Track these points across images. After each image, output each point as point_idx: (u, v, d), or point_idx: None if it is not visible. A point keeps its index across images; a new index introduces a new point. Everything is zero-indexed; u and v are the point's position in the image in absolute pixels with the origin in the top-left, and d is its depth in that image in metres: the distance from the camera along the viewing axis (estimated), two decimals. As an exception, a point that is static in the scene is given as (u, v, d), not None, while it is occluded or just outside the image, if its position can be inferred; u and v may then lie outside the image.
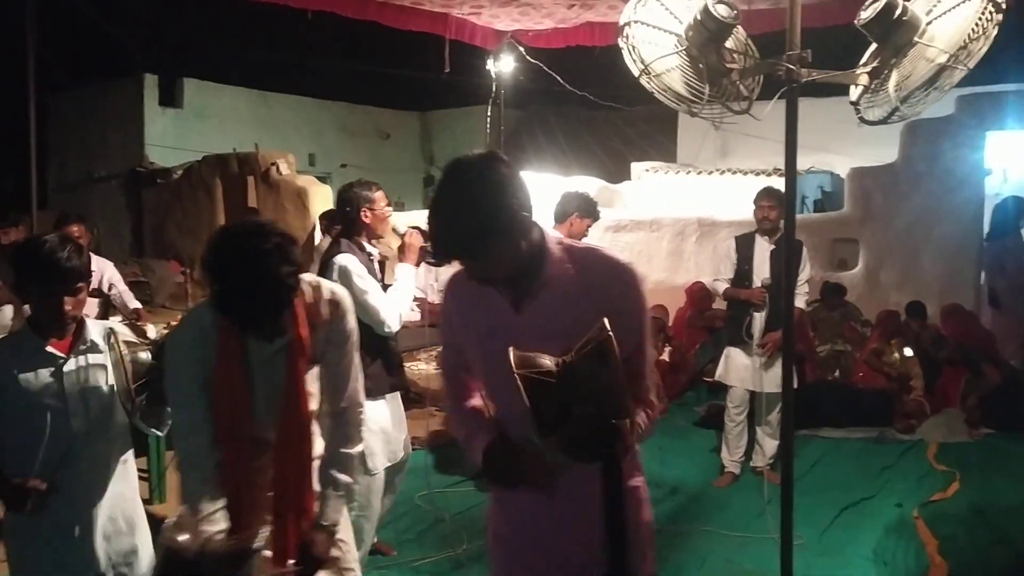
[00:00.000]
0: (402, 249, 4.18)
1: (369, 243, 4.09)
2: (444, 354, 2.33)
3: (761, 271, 5.54)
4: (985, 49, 3.27)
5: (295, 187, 12.17)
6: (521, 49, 9.16)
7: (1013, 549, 4.63)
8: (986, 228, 9.30)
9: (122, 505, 2.80)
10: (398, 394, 4.29)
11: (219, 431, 2.41)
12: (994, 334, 7.91)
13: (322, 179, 14.40)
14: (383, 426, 4.07)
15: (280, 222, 10.25)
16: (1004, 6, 3.20)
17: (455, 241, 1.92)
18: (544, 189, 11.16)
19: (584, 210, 5.35)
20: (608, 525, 1.89)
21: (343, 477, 2.58)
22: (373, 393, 3.93)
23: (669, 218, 10.03)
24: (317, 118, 18.87)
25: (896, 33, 3.40)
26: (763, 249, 5.58)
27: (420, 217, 10.56)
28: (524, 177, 1.97)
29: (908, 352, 7.59)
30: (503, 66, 9.56)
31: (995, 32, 3.24)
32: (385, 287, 4.04)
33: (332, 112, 19.28)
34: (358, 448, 2.66)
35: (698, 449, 6.53)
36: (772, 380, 5.48)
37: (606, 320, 1.80)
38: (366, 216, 4.04)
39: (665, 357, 8.19)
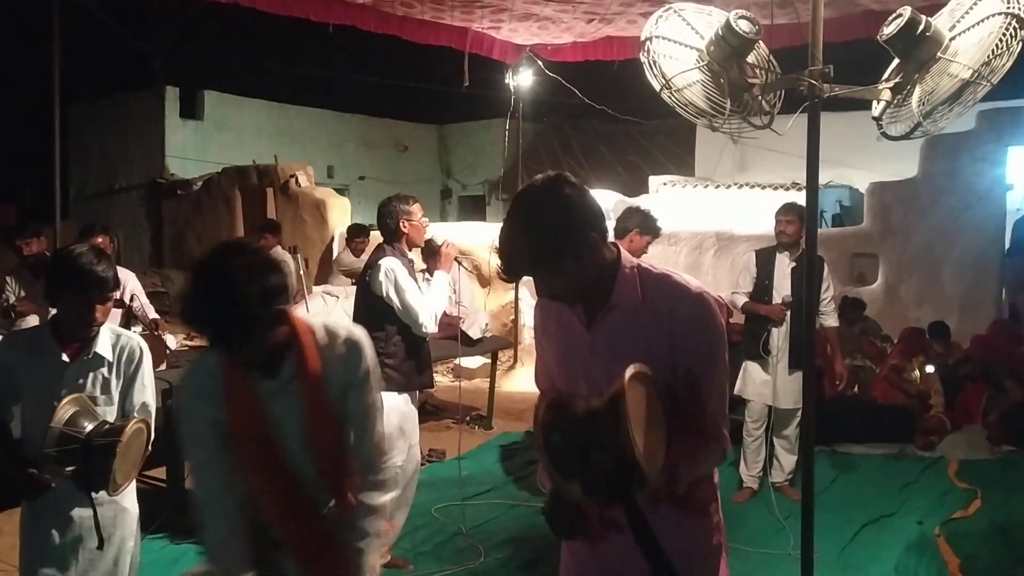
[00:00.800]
0: (438, 258, 4.58)
1: (409, 251, 4.44)
2: (537, 372, 2.36)
3: (781, 287, 5.51)
4: (1009, 65, 3.25)
5: (314, 199, 12.24)
6: (540, 63, 9.20)
7: (1037, 569, 4.58)
8: (1007, 244, 9.25)
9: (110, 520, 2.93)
10: (416, 398, 4.55)
11: (249, 468, 2.33)
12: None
13: (340, 191, 14.48)
14: (400, 423, 4.23)
15: (299, 233, 10.31)
16: (1028, 22, 3.18)
17: (521, 259, 1.98)
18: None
19: (644, 226, 5.32)
20: (648, 563, 1.89)
21: (366, 526, 2.40)
22: (403, 387, 4.32)
23: (687, 232, 10.02)
24: (336, 130, 18.97)
25: (919, 48, 3.39)
26: (783, 265, 5.55)
27: (439, 229, 10.60)
28: (594, 197, 2.02)
29: (929, 369, 7.54)
30: (522, 80, 9.62)
31: (1019, 48, 3.23)
32: None
33: (351, 124, 19.38)
34: (386, 498, 2.46)
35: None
36: (789, 395, 5.51)
37: (634, 367, 1.82)
38: (405, 226, 4.39)
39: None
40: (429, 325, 4.28)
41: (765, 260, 5.63)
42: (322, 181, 15.66)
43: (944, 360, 7.58)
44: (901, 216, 9.03)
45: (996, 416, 6.97)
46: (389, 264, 4.24)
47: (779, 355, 5.51)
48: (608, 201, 12.08)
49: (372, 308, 4.30)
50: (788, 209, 5.59)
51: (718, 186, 13.33)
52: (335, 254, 10.80)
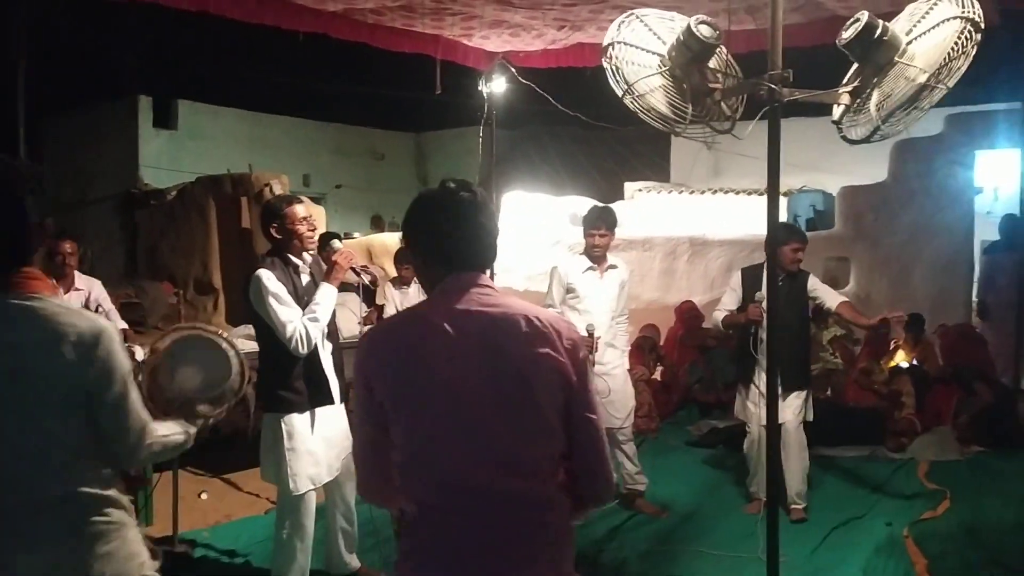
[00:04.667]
0: (330, 268, 4.12)
1: (298, 258, 4.09)
2: None
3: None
4: (965, 68, 3.29)
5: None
6: (513, 70, 9.21)
7: (1003, 569, 4.60)
8: (977, 245, 9.34)
9: None
10: (339, 409, 4.17)
11: None
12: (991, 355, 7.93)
13: (317, 200, 14.43)
14: (309, 446, 4.00)
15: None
16: (982, 26, 3.22)
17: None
18: (537, 208, 11.22)
19: (588, 222, 5.41)
20: None
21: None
22: (297, 407, 3.99)
23: (661, 237, 10.06)
24: (311, 139, 18.92)
25: (877, 53, 3.43)
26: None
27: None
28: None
29: (903, 364, 7.61)
30: (495, 87, 9.61)
31: (974, 51, 3.26)
32: (380, 309, 4.04)
33: (326, 133, 19.33)
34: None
35: (690, 469, 6.52)
36: (788, 410, 5.28)
37: None
38: (276, 232, 4.05)
39: (657, 376, 8.19)
40: (299, 344, 3.85)
41: (752, 277, 5.40)
42: (298, 190, 15.60)
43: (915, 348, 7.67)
44: (872, 219, 9.11)
45: (966, 418, 7.03)
46: (257, 275, 3.90)
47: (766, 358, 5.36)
48: (584, 207, 12.11)
49: (258, 323, 3.99)
50: (801, 239, 5.47)
51: (693, 191, 13.40)
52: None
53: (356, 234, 14.34)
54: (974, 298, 9.25)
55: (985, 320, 9.14)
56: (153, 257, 14.46)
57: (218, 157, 15.94)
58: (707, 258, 9.88)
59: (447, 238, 2.10)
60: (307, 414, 4.03)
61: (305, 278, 4.11)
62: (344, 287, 9.17)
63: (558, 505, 2.02)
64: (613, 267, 5.46)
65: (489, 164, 10.41)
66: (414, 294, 7.17)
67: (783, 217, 10.63)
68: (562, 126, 18.44)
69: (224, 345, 2.77)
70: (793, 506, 5.32)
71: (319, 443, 4.06)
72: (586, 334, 5.19)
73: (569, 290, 5.40)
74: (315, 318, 3.94)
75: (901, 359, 7.69)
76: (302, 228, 4.09)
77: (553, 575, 2.01)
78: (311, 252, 4.19)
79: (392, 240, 10.44)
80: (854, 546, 4.90)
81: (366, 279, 4.47)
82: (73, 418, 2.17)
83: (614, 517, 5.37)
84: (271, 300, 3.85)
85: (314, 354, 4.01)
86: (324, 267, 4.20)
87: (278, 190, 12.59)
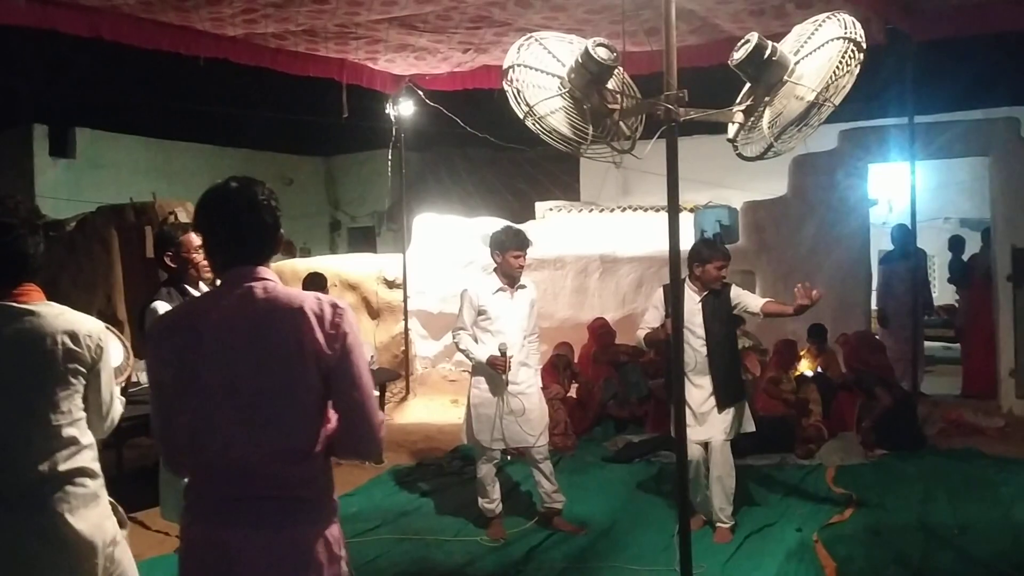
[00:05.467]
0: None
1: (195, 287, 4.04)
2: None
3: (691, 322, 5.17)
4: (849, 86, 3.42)
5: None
6: (420, 93, 9.23)
7: (908, 568, 4.76)
8: (873, 255, 9.70)
9: None
10: None
11: None
12: (889, 360, 8.22)
13: (224, 227, 14.14)
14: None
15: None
16: (864, 46, 3.36)
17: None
18: (449, 230, 11.22)
19: (500, 244, 5.37)
20: None
21: None
22: None
23: (572, 255, 10.16)
24: (218, 165, 18.58)
25: (767, 72, 3.54)
26: (692, 300, 5.25)
27: (328, 262, 10.43)
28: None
29: (808, 373, 7.83)
30: (403, 110, 9.62)
31: (858, 69, 3.40)
32: None
33: (234, 159, 19.05)
34: None
35: (607, 485, 6.56)
36: (719, 427, 5.27)
37: None
38: (170, 260, 4.02)
39: (572, 394, 8.24)
40: None
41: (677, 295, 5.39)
42: (205, 218, 15.27)
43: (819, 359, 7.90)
44: (774, 233, 9.36)
45: (869, 422, 7.26)
46: (152, 307, 3.88)
47: (697, 371, 5.25)
48: (495, 228, 12.16)
49: None
50: (725, 255, 5.39)
51: (603, 210, 13.57)
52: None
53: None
54: (873, 306, 9.59)
55: (885, 327, 9.51)
56: (54, 291, 13.75)
57: (120, 186, 15.54)
58: (618, 275, 10.01)
59: (225, 233, 2.30)
60: None
61: None
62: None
63: (318, 482, 2.29)
64: (523, 287, 5.48)
65: (399, 186, 10.39)
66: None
67: (689, 233, 10.85)
68: (473, 148, 18.56)
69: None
70: (719, 525, 5.29)
71: None
72: (499, 353, 5.21)
73: (480, 312, 5.38)
74: None
75: (806, 368, 7.92)
76: (198, 256, 4.02)
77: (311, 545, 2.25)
78: (208, 281, 4.10)
79: (303, 266, 10.31)
80: (767, 553, 4.99)
81: None
82: (64, 400, 2.62)
83: (532, 537, 5.37)
84: None
85: None
86: None
87: (183, 218, 12.32)
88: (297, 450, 2.24)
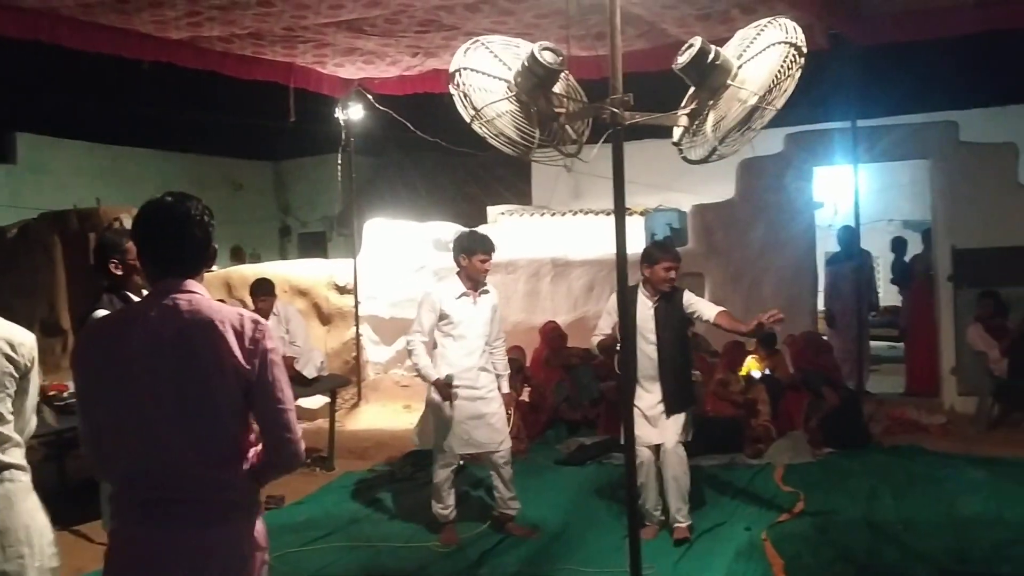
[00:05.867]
0: None
1: (138, 295, 3.95)
2: None
3: (644, 328, 5.24)
4: (791, 90, 3.46)
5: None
6: (370, 97, 9.18)
7: (853, 564, 4.84)
8: (820, 257, 9.86)
9: None
10: None
11: None
12: (836, 361, 8.37)
13: (171, 233, 13.91)
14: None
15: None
16: (804, 50, 3.41)
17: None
18: (400, 235, 11.17)
19: (466, 248, 5.36)
20: None
21: None
22: None
23: (524, 259, 10.17)
24: (165, 170, 18.30)
25: (711, 77, 3.57)
26: (645, 306, 5.30)
27: (278, 268, 10.26)
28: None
29: (755, 374, 7.93)
30: (352, 114, 9.56)
31: (799, 74, 3.44)
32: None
33: (181, 164, 18.77)
34: None
35: (559, 487, 6.57)
36: (672, 430, 5.26)
37: None
38: (117, 268, 3.92)
39: (525, 397, 8.24)
40: None
41: (627, 300, 5.39)
42: (151, 224, 15.02)
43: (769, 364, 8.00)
44: (722, 235, 9.47)
45: (816, 421, 7.38)
46: (94, 315, 3.77)
47: (649, 376, 5.26)
48: (447, 232, 12.13)
49: None
50: (674, 257, 5.35)
51: (554, 214, 13.63)
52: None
53: (214, 267, 13.89)
54: (820, 307, 9.74)
55: (832, 328, 9.67)
56: (-6, 299, 13.61)
57: (63, 192, 15.23)
58: (569, 278, 10.04)
59: (157, 246, 2.41)
60: None
61: None
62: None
63: (242, 485, 2.38)
64: (486, 292, 5.47)
65: (349, 191, 10.32)
66: (272, 326, 6.99)
67: (640, 236, 10.94)
68: (424, 152, 18.48)
69: None
70: (676, 525, 5.28)
71: None
72: (446, 378, 5.21)
73: (442, 316, 5.34)
74: None
75: (752, 367, 8.02)
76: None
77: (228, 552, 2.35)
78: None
79: (252, 272, 10.18)
80: (717, 553, 5.04)
81: None
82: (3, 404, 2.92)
83: (485, 541, 5.37)
84: None
85: None
86: None
87: (128, 224, 12.09)
88: (219, 455, 2.33)
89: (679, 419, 5.28)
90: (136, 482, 2.33)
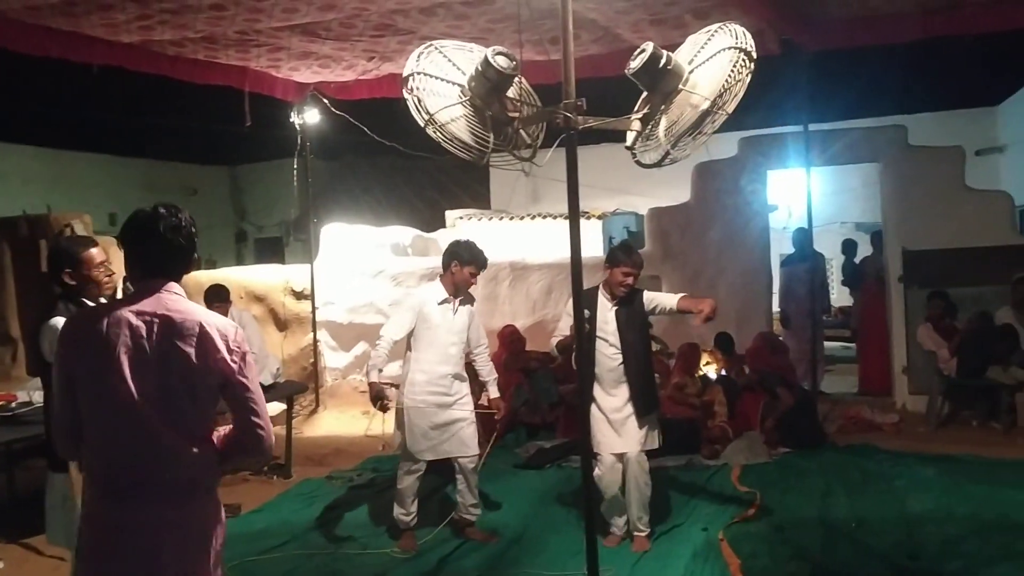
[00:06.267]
0: None
1: (95, 303, 3.82)
2: None
3: (604, 331, 5.20)
4: (741, 95, 3.51)
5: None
6: (326, 101, 9.11)
7: (809, 562, 4.90)
8: (775, 259, 9.99)
9: None
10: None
11: None
12: (791, 361, 8.48)
13: (124, 240, 13.71)
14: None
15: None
16: (754, 55, 3.45)
17: None
18: (358, 240, 11.12)
19: (462, 258, 5.34)
20: None
21: None
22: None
23: (483, 263, 10.15)
24: (118, 176, 18.05)
25: (663, 81, 3.61)
26: (605, 308, 5.26)
27: (234, 273, 10.15)
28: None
29: (711, 375, 8.00)
30: (308, 118, 9.49)
31: (749, 78, 3.49)
32: None
33: (134, 169, 18.51)
34: None
35: (519, 491, 6.56)
36: (635, 438, 5.20)
37: None
38: (69, 278, 3.81)
39: (484, 401, 8.22)
40: None
41: (587, 302, 5.17)
42: (104, 230, 14.74)
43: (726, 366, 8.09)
44: (678, 238, 9.55)
45: (772, 421, 7.47)
46: (49, 324, 3.66)
47: (611, 381, 5.21)
48: (406, 237, 12.10)
49: (47, 376, 3.59)
50: (635, 263, 5.22)
51: (513, 217, 13.66)
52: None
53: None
54: (775, 308, 9.87)
55: (787, 329, 9.80)
56: (-60, 308, 13.29)
57: (11, 198, 14.92)
58: (528, 282, 10.07)
59: (147, 249, 2.68)
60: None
61: None
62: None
63: (210, 466, 2.68)
64: (467, 301, 5.48)
65: (306, 196, 10.24)
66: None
67: (598, 239, 11.00)
68: (382, 156, 18.42)
69: None
70: (636, 534, 5.26)
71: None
72: (386, 388, 5.26)
73: (421, 318, 5.34)
74: None
75: (710, 368, 8.10)
76: (98, 273, 3.86)
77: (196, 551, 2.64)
78: (108, 297, 3.96)
79: (207, 278, 10.05)
80: (674, 554, 5.08)
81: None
82: None
83: (444, 547, 5.35)
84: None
85: None
86: None
87: (80, 231, 11.88)
88: (193, 435, 2.62)
89: (643, 425, 5.21)
90: (113, 464, 2.57)
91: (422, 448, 5.34)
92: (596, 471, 5.17)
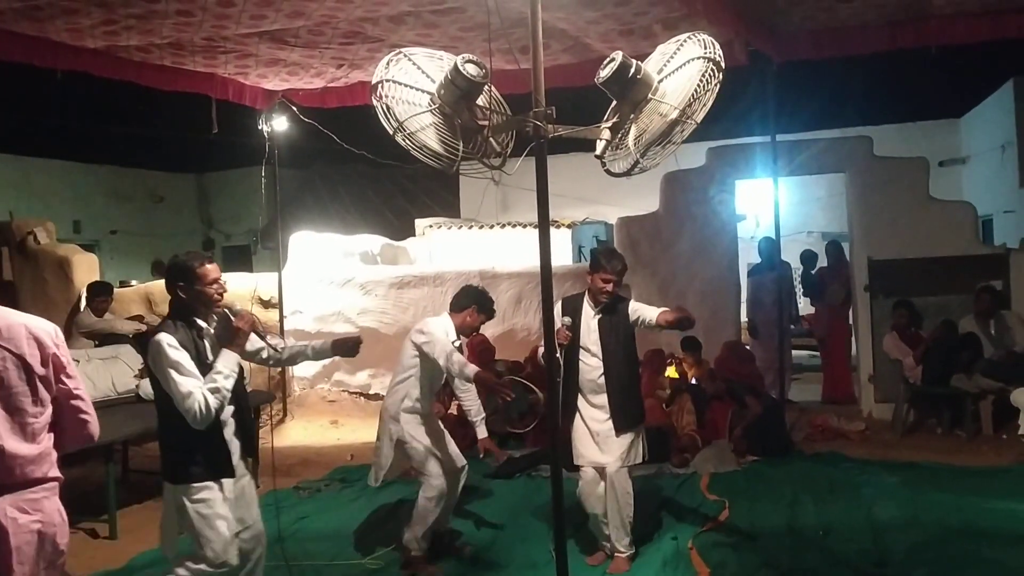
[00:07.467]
0: (231, 333, 3.82)
1: (205, 320, 3.83)
2: None
3: (587, 339, 5.06)
4: (710, 104, 3.53)
5: (56, 257, 11.30)
6: (294, 108, 9.05)
7: (777, 570, 4.92)
8: (743, 269, 10.05)
9: None
10: (244, 480, 3.99)
11: None
12: (759, 370, 8.53)
13: (89, 247, 13.53)
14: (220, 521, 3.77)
15: (40, 295, 9.64)
16: (722, 65, 3.47)
17: None
18: (327, 248, 11.05)
19: (481, 306, 5.35)
20: None
21: None
22: (197, 477, 3.75)
23: (452, 272, 10.13)
24: (82, 183, 17.83)
25: (632, 90, 3.61)
26: (588, 316, 5.12)
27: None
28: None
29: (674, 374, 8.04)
30: (277, 125, 9.41)
31: (717, 88, 3.51)
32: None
33: (99, 176, 18.30)
34: None
35: (488, 501, 6.54)
36: (616, 452, 5.05)
37: None
38: (183, 292, 3.78)
39: (453, 411, 8.20)
40: (197, 416, 3.55)
41: (571, 309, 5.11)
42: (67, 237, 14.60)
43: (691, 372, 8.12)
44: (647, 247, 9.57)
45: (740, 430, 7.51)
46: (157, 340, 3.65)
47: (593, 390, 5.08)
48: (375, 245, 12.05)
49: (158, 389, 3.71)
50: (614, 269, 5.06)
51: (482, 226, 13.64)
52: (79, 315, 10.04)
53: (134, 281, 13.55)
54: (743, 317, 9.92)
55: (755, 338, 9.85)
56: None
57: (-28, 205, 14.66)
58: (497, 291, 10.00)
59: None
60: (213, 483, 3.76)
61: (209, 342, 3.80)
62: (119, 339, 8.63)
63: (49, 465, 2.97)
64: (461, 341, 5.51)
65: (274, 204, 10.17)
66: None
67: (567, 248, 11.01)
68: (351, 164, 18.36)
69: None
70: (616, 555, 5.07)
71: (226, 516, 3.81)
72: None
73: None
74: (216, 388, 3.62)
75: (673, 375, 8.12)
76: (211, 290, 3.80)
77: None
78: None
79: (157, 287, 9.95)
80: (644, 563, 5.07)
81: (273, 343, 4.27)
82: None
83: (412, 557, 5.30)
84: (170, 370, 3.58)
85: (215, 424, 3.71)
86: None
87: (43, 238, 11.72)
88: (37, 436, 2.92)
89: (625, 439, 5.02)
90: None
91: (441, 465, 5.31)
92: (578, 486, 5.13)
